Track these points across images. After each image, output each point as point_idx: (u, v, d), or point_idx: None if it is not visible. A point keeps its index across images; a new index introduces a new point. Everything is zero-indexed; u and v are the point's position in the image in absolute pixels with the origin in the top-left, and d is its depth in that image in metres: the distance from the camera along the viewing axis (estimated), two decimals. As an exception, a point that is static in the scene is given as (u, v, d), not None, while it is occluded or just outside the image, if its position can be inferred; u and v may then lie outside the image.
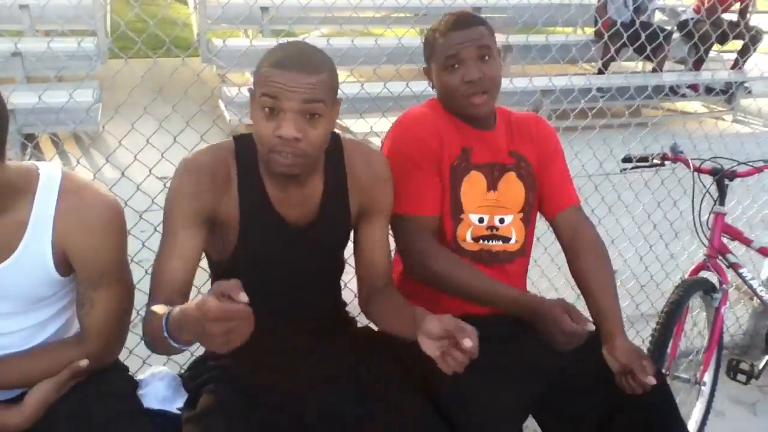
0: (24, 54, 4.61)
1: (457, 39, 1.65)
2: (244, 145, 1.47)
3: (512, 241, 1.76)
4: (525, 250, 1.81)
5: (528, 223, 1.79)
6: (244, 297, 1.07)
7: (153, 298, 1.38)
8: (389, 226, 1.65)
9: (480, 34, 1.66)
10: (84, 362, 1.38)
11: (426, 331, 1.27)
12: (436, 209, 1.69)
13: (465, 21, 1.67)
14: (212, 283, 1.59)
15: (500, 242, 1.75)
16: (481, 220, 1.72)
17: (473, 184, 1.71)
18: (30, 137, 4.26)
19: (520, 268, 1.81)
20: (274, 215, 1.46)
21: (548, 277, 2.81)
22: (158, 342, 1.28)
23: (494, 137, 1.76)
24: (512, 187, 1.75)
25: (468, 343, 1.23)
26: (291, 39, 1.39)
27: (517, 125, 1.82)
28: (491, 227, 1.73)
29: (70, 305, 1.46)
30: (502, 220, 1.74)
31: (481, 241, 1.73)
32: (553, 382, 1.63)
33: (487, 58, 1.66)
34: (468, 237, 1.72)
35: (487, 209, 1.73)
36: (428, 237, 1.66)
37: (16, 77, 4.77)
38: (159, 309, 1.20)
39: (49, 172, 1.34)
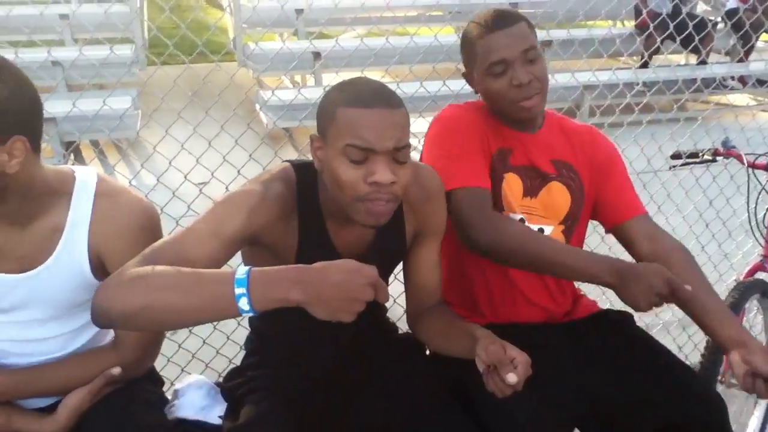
0: (63, 63, 4.69)
1: (499, 41, 1.53)
2: (304, 174, 1.39)
3: None
4: None
5: (570, 236, 1.69)
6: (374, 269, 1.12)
7: (150, 261, 1.18)
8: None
9: (523, 32, 1.55)
10: (117, 370, 1.37)
11: (477, 354, 1.27)
12: (488, 182, 1.57)
13: (504, 19, 1.55)
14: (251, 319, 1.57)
15: None
16: (522, 221, 1.64)
17: (511, 187, 1.63)
18: (71, 145, 4.33)
19: (560, 282, 1.70)
20: (331, 250, 1.40)
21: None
22: (200, 304, 1.09)
23: (536, 141, 1.66)
24: (556, 196, 1.65)
25: (512, 378, 1.20)
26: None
27: (568, 134, 1.71)
28: None
29: None
30: (541, 230, 1.65)
31: None
32: (599, 400, 1.56)
33: (533, 58, 1.54)
34: None
35: (526, 216, 1.65)
36: (491, 207, 1.54)
37: (57, 86, 4.86)
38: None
39: (85, 176, 1.34)
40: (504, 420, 1.45)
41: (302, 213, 1.38)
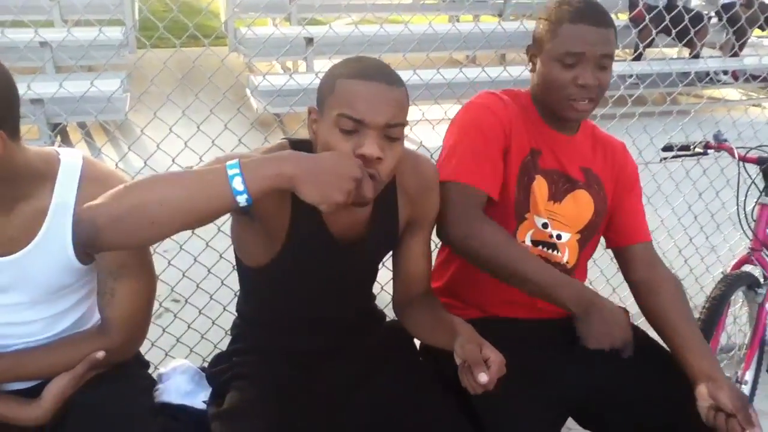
0: (52, 43, 4.63)
1: (586, 34, 1.48)
2: (299, 150, 1.34)
3: (565, 259, 1.66)
4: (573, 273, 1.70)
5: (584, 247, 1.68)
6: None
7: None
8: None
9: (609, 39, 1.49)
10: (101, 354, 1.36)
11: (454, 350, 1.29)
12: (490, 187, 1.54)
13: (600, 17, 1.49)
14: (242, 282, 1.55)
15: (557, 252, 1.64)
16: (545, 225, 1.61)
17: (540, 188, 1.60)
18: (57, 126, 4.29)
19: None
20: (324, 232, 1.39)
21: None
22: (195, 193, 1.09)
23: (569, 145, 1.63)
24: (580, 204, 1.63)
25: (482, 379, 1.21)
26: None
27: (601, 144, 1.70)
28: (551, 236, 1.63)
29: (91, 295, 1.44)
30: (559, 236, 1.63)
31: (540, 247, 1.63)
32: (594, 395, 1.57)
33: (605, 65, 1.51)
34: (527, 239, 1.62)
35: (549, 220, 1.62)
36: (478, 208, 1.51)
37: (46, 67, 4.81)
38: None
39: (71, 158, 1.32)
40: (498, 413, 1.45)
41: None
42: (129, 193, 1.10)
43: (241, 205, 1.10)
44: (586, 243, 1.68)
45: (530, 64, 1.61)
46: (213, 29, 5.72)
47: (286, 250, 1.38)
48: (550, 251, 1.63)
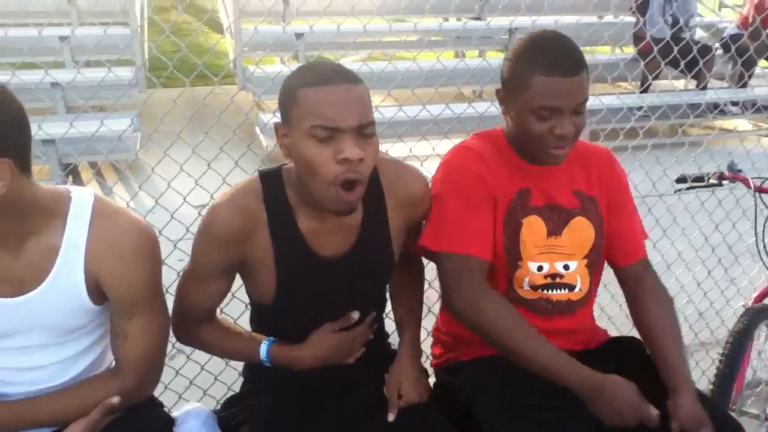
0: (63, 84, 4.67)
1: (559, 88, 1.43)
2: (270, 181, 1.41)
3: (577, 288, 1.63)
4: (588, 299, 1.68)
5: (594, 270, 1.66)
6: (355, 314, 1.47)
7: (186, 320, 1.50)
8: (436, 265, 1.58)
9: (583, 85, 1.46)
10: (116, 399, 1.33)
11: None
12: (486, 252, 1.54)
13: (572, 65, 1.44)
14: (251, 322, 1.59)
15: (564, 290, 1.61)
16: (540, 268, 1.59)
17: (532, 229, 1.57)
18: (70, 167, 4.31)
19: (580, 320, 1.67)
20: (307, 252, 1.41)
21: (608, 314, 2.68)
22: (237, 358, 1.59)
23: (557, 174, 1.61)
24: (580, 232, 1.60)
25: (389, 417, 1.45)
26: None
27: (586, 160, 1.65)
28: (552, 275, 1.60)
29: (104, 337, 1.43)
30: (566, 267, 1.61)
31: (540, 290, 1.60)
32: (612, 430, 1.51)
33: (580, 110, 1.48)
34: (525, 285, 1.60)
35: (547, 256, 1.59)
36: (478, 277, 1.51)
37: (57, 108, 4.84)
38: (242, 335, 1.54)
39: (81, 196, 1.31)
40: None
41: (272, 220, 1.38)
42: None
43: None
44: (593, 265, 1.65)
45: (502, 106, 1.57)
46: (221, 68, 5.79)
47: (279, 279, 1.41)
48: (551, 291, 1.60)
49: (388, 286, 1.64)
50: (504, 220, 1.56)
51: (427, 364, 1.76)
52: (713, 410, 1.56)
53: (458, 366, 1.65)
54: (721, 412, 1.61)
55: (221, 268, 1.41)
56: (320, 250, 1.42)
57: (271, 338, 1.47)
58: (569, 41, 1.48)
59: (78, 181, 4.56)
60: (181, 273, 1.49)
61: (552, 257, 1.59)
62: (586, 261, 1.63)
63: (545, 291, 1.60)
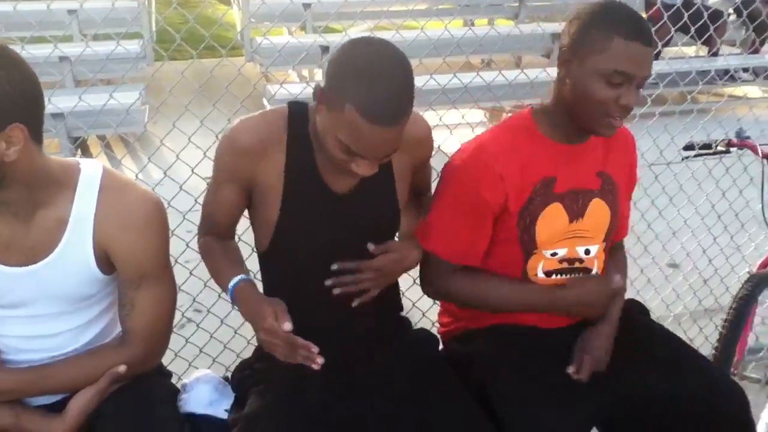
0: (72, 58, 4.68)
1: (638, 54, 1.37)
2: (298, 112, 1.44)
3: (593, 272, 1.63)
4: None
5: (606, 251, 1.66)
6: (287, 326, 1.31)
7: (204, 227, 1.56)
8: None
9: (651, 57, 1.40)
10: (122, 368, 1.36)
11: None
12: (472, 260, 1.58)
13: (649, 35, 1.39)
14: (260, 261, 1.59)
15: (578, 274, 1.61)
16: (554, 254, 1.57)
17: (552, 219, 1.55)
18: (78, 140, 4.33)
19: None
20: (318, 183, 1.43)
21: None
22: (218, 283, 1.52)
23: (586, 154, 1.57)
24: (599, 214, 1.59)
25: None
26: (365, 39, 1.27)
27: (609, 141, 1.62)
28: (570, 260, 1.58)
29: (113, 306, 1.45)
30: (588, 251, 1.60)
31: (554, 276, 1.59)
32: (620, 398, 1.56)
33: (642, 85, 1.43)
34: (539, 272, 1.58)
35: (569, 242, 1.57)
36: (455, 276, 1.59)
37: (65, 81, 4.86)
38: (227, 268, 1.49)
39: (90, 168, 1.33)
40: (524, 420, 1.43)
41: (290, 145, 1.42)
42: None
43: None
44: (607, 246, 1.66)
45: (562, 69, 1.47)
46: (229, 40, 5.77)
47: (284, 202, 1.43)
48: (563, 276, 1.60)
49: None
50: (519, 214, 1.53)
51: (434, 331, 1.79)
52: (715, 374, 1.59)
53: (468, 335, 1.67)
54: (722, 376, 1.63)
55: (236, 178, 1.43)
56: (332, 184, 1.44)
57: (244, 276, 1.45)
58: (648, 24, 1.45)
59: (87, 154, 4.60)
60: (205, 197, 1.55)
61: (575, 242, 1.57)
62: (604, 244, 1.62)
63: (560, 276, 1.59)
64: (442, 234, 1.56)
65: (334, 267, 1.44)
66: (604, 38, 1.38)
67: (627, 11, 1.41)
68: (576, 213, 1.57)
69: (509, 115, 1.63)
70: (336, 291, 1.44)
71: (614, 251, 1.74)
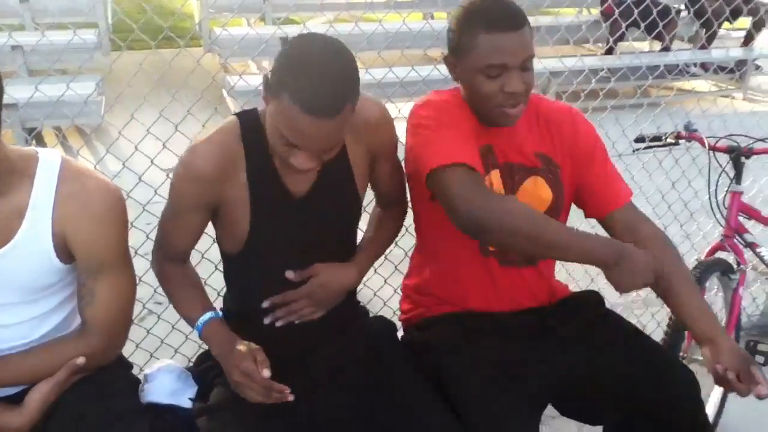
0: (25, 47, 4.57)
1: (504, 43, 1.43)
2: (249, 121, 1.44)
3: None
4: None
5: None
6: (266, 373, 1.33)
7: (163, 252, 1.55)
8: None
9: (527, 39, 1.46)
10: (81, 359, 1.35)
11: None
12: (476, 159, 1.48)
13: (513, 19, 1.44)
14: (225, 274, 1.60)
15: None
16: None
17: (494, 184, 1.58)
18: (33, 131, 4.24)
19: (542, 272, 1.70)
20: (280, 187, 1.45)
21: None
22: (180, 314, 1.53)
23: (517, 135, 1.61)
24: (534, 191, 1.62)
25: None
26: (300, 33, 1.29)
27: (547, 121, 1.65)
28: None
29: (72, 297, 1.44)
30: None
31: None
32: (573, 381, 1.60)
33: (528, 66, 1.47)
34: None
35: None
36: (476, 181, 1.43)
37: (18, 71, 4.75)
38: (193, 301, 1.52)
39: (49, 157, 1.32)
40: (478, 404, 1.47)
41: (249, 158, 1.42)
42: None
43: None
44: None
45: (452, 73, 1.56)
46: (187, 30, 5.70)
47: (252, 214, 1.44)
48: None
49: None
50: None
51: (394, 319, 1.82)
52: (664, 357, 1.64)
53: (426, 322, 1.71)
54: (672, 358, 1.68)
55: (197, 205, 1.44)
56: (291, 186, 1.46)
57: (213, 314, 1.48)
58: (514, 5, 1.49)
59: (42, 145, 4.48)
60: (163, 208, 1.52)
61: None
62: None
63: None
64: (447, 145, 1.47)
65: (265, 305, 1.47)
66: (470, 38, 1.46)
67: (488, 3, 1.47)
68: (510, 187, 1.59)
69: None
70: (278, 324, 1.48)
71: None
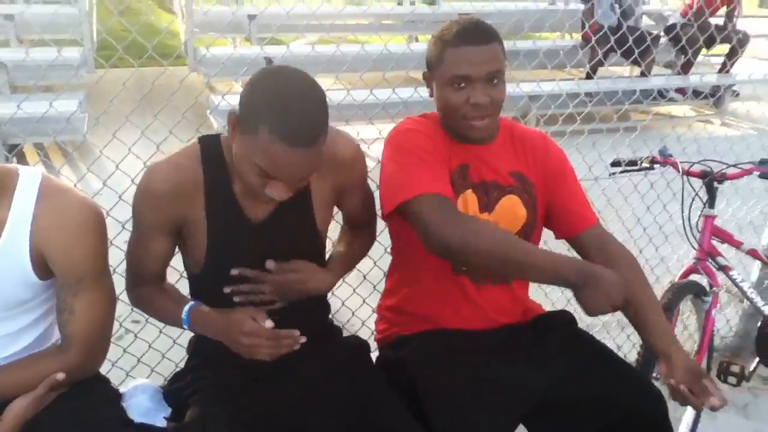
0: (8, 64, 4.57)
1: (469, 56, 1.51)
2: (210, 145, 1.47)
3: None
4: None
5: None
6: (269, 324, 1.38)
7: (134, 279, 1.55)
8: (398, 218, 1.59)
9: (493, 54, 1.53)
10: (61, 375, 1.35)
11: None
12: (446, 187, 1.54)
13: (480, 35, 1.53)
14: (191, 294, 1.61)
15: None
16: None
17: (467, 205, 1.62)
18: (14, 148, 4.22)
19: (516, 292, 1.73)
20: (237, 213, 1.47)
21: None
22: (168, 322, 1.55)
23: (493, 154, 1.66)
24: (512, 209, 1.66)
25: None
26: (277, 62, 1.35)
27: (522, 142, 1.71)
28: None
29: (50, 314, 1.44)
30: None
31: None
32: (545, 398, 1.62)
33: (496, 81, 1.54)
34: None
35: None
36: (454, 207, 1.50)
37: (1, 88, 4.74)
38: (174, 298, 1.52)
39: (29, 173, 1.33)
40: (452, 421, 1.48)
41: (208, 182, 1.44)
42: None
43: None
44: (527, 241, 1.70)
45: (429, 89, 1.63)
46: (173, 49, 5.72)
47: (210, 238, 1.46)
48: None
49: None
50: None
51: (371, 340, 1.83)
52: (636, 378, 1.67)
53: (401, 340, 1.73)
54: (643, 379, 1.72)
55: (160, 226, 1.45)
56: (249, 211, 1.48)
57: (194, 302, 1.49)
58: (479, 20, 1.57)
59: (23, 162, 4.48)
60: (129, 246, 1.54)
61: None
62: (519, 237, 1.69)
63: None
64: (417, 176, 1.52)
65: (234, 272, 1.47)
66: (440, 52, 1.56)
67: (460, 21, 1.56)
68: (486, 205, 1.63)
69: None
70: (236, 299, 1.47)
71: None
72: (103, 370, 1.55)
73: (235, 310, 1.43)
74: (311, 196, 1.53)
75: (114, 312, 1.46)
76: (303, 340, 1.40)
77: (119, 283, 1.53)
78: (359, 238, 1.71)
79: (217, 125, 4.62)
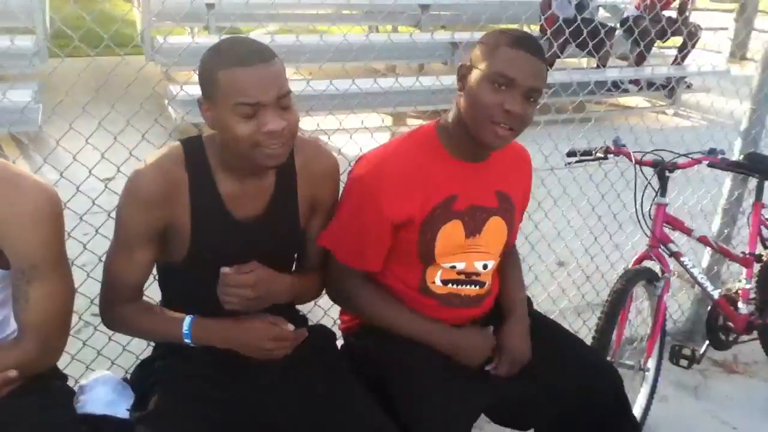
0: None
1: (521, 61, 1.46)
2: (192, 147, 1.47)
3: (486, 285, 1.72)
4: (492, 291, 1.78)
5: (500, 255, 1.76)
6: (291, 327, 1.46)
7: (113, 296, 1.51)
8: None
9: (541, 73, 1.49)
10: (13, 372, 1.32)
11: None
12: (374, 265, 1.64)
13: (537, 49, 1.49)
14: (160, 283, 1.60)
15: (474, 287, 1.69)
16: (452, 267, 1.65)
17: (450, 234, 1.62)
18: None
19: (485, 308, 1.78)
20: (224, 213, 1.47)
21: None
22: (161, 336, 1.54)
23: (484, 173, 1.64)
24: (495, 232, 1.68)
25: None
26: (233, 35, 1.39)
27: (506, 157, 1.70)
28: (468, 273, 1.67)
29: (7, 303, 1.40)
30: (485, 266, 1.69)
31: (450, 285, 1.67)
32: (506, 390, 1.68)
33: (532, 100, 1.49)
34: (437, 280, 1.67)
35: (466, 255, 1.65)
36: (358, 280, 1.65)
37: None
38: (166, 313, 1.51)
39: None
40: (418, 409, 1.52)
41: (192, 185, 1.45)
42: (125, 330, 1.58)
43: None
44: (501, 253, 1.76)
45: (460, 83, 1.57)
46: (130, 38, 5.62)
47: (193, 237, 1.47)
48: (461, 287, 1.69)
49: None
50: (420, 230, 1.60)
51: (335, 328, 1.85)
52: (591, 356, 1.76)
53: (364, 330, 1.75)
54: (598, 358, 1.81)
55: (146, 233, 1.44)
56: (236, 211, 1.49)
57: (191, 316, 1.47)
58: (539, 41, 1.57)
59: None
60: (108, 248, 1.50)
61: (471, 256, 1.66)
62: (499, 259, 1.73)
63: (456, 286, 1.67)
64: (343, 241, 1.61)
65: (224, 270, 1.42)
66: (493, 49, 1.50)
67: (518, 30, 1.56)
68: (473, 229, 1.64)
69: (417, 125, 1.70)
70: (227, 307, 1.45)
71: (507, 254, 1.82)
72: (62, 363, 1.54)
73: (249, 318, 1.45)
74: (297, 196, 1.56)
75: (72, 303, 1.43)
76: (305, 335, 1.49)
77: (77, 276, 1.51)
78: (308, 280, 1.68)
79: (176, 115, 4.57)
